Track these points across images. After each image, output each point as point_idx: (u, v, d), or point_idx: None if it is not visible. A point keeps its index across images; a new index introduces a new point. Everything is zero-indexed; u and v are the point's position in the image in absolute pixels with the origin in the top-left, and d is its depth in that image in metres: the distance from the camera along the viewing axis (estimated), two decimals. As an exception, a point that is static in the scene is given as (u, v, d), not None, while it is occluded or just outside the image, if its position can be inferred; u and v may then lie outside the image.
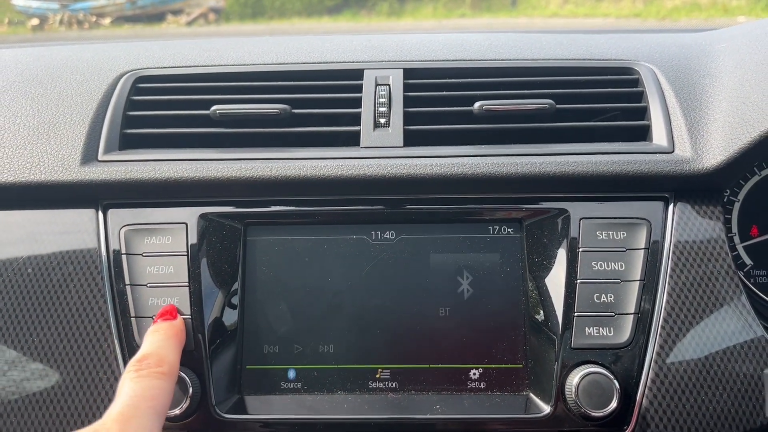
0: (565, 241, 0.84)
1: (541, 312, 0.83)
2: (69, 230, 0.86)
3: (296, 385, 0.84)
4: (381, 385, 0.84)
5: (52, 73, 1.00)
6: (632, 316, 0.80)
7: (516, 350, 0.84)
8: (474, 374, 0.84)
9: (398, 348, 0.85)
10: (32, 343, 0.83)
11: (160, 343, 0.76)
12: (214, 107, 0.92)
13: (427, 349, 0.84)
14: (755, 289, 0.97)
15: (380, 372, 0.84)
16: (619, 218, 0.84)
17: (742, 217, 1.01)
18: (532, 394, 0.82)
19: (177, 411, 0.77)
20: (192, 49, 1.06)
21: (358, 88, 0.96)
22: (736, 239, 1.01)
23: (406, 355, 0.84)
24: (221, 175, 0.85)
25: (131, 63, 1.02)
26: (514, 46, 1.05)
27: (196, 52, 1.05)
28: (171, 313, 0.81)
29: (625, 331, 0.80)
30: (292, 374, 0.84)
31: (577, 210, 0.85)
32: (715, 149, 0.84)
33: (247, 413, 0.81)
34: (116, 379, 0.80)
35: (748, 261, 1.00)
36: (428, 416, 0.80)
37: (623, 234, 0.84)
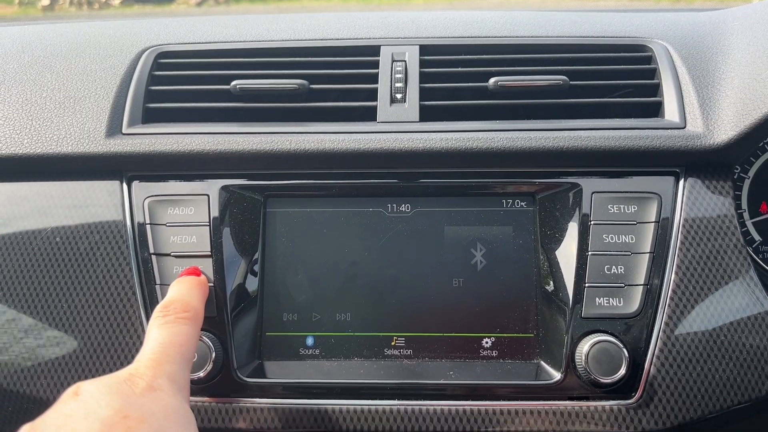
0: (577, 214, 0.86)
1: (552, 283, 0.85)
2: (95, 201, 0.89)
3: (314, 351, 0.87)
4: (396, 352, 0.86)
5: (75, 49, 1.02)
6: (641, 287, 0.82)
7: (527, 320, 0.86)
8: (486, 343, 0.86)
9: (413, 317, 0.87)
10: (60, 309, 0.86)
11: (184, 291, 0.78)
12: (234, 82, 0.94)
13: (440, 318, 0.87)
14: (764, 265, 0.99)
15: (395, 340, 0.87)
16: (631, 192, 0.86)
17: (752, 194, 1.02)
18: (542, 362, 0.85)
19: (201, 374, 0.80)
20: (211, 26, 1.08)
21: (375, 64, 0.98)
22: (746, 215, 1.03)
23: (420, 323, 0.87)
24: (242, 148, 0.88)
25: (152, 39, 1.04)
26: (529, 23, 1.06)
27: (215, 29, 1.07)
28: (195, 272, 0.84)
29: (634, 302, 0.82)
30: (310, 341, 0.87)
31: (589, 184, 0.87)
32: (726, 125, 0.86)
33: (266, 377, 0.84)
34: (141, 344, 0.84)
35: (757, 237, 1.02)
36: (441, 381, 0.83)
37: (634, 208, 0.85)
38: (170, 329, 0.71)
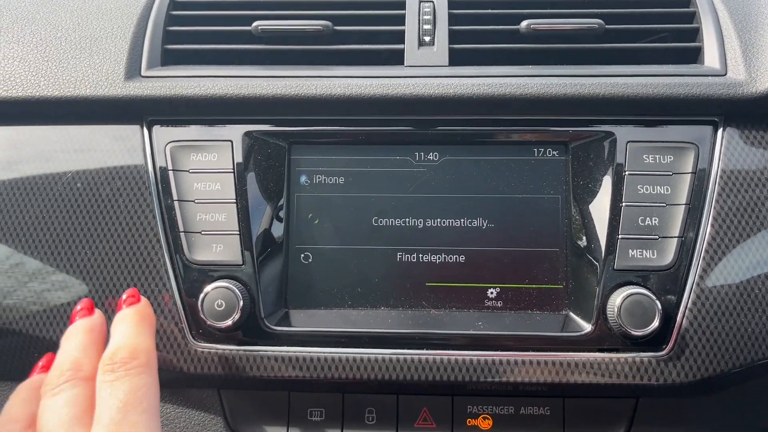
0: (611, 164, 0.84)
1: (584, 235, 0.84)
2: (115, 146, 0.87)
3: (340, 300, 0.86)
4: (423, 302, 0.86)
5: (90, -14, 0.98)
6: (676, 239, 0.81)
7: (557, 271, 0.85)
8: (514, 293, 0.85)
9: (441, 267, 0.86)
10: (84, 256, 0.85)
11: (128, 332, 0.72)
12: (255, 23, 0.90)
13: (468, 269, 0.86)
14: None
15: (423, 289, 0.86)
16: (667, 142, 0.84)
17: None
18: (571, 313, 0.84)
19: (229, 322, 0.79)
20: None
21: (401, 5, 0.94)
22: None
23: (448, 274, 0.86)
24: (266, 92, 0.85)
25: (168, -24, 0.99)
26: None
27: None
28: (133, 296, 0.78)
29: (668, 254, 0.80)
30: (336, 290, 0.86)
31: (623, 133, 0.84)
32: (769, 72, 0.82)
33: (293, 326, 0.83)
34: (166, 290, 0.83)
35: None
36: (470, 332, 0.82)
37: (670, 158, 0.83)
38: (124, 386, 0.65)
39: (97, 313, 0.79)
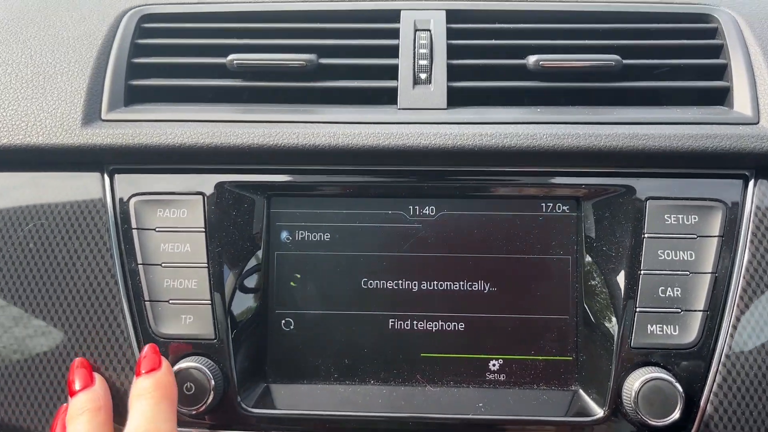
0: (629, 224, 0.75)
1: (597, 303, 0.75)
2: (73, 199, 0.77)
3: (326, 373, 0.78)
4: (418, 375, 0.77)
5: (45, 11, 0.87)
6: (701, 313, 0.72)
7: (566, 342, 0.77)
8: (518, 366, 0.77)
9: (437, 336, 0.77)
10: (39, 330, 0.76)
11: (149, 414, 0.64)
12: (231, 56, 0.80)
13: (468, 338, 0.77)
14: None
15: (417, 362, 0.77)
16: (691, 199, 0.75)
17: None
18: (581, 391, 0.75)
19: (201, 407, 0.71)
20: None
21: (395, 33, 0.84)
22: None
23: (445, 343, 0.77)
24: (241, 142, 0.75)
25: (134, -4, 0.89)
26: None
27: (208, -17, 0.92)
28: (154, 363, 0.69)
29: (692, 331, 0.72)
30: (321, 361, 0.78)
31: (643, 188, 0.75)
32: (809, 124, 0.73)
33: (274, 406, 0.75)
34: (132, 374, 0.74)
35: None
36: (469, 416, 0.74)
37: (695, 218, 0.74)
38: None
39: (98, 380, 0.72)
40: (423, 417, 0.74)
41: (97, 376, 0.73)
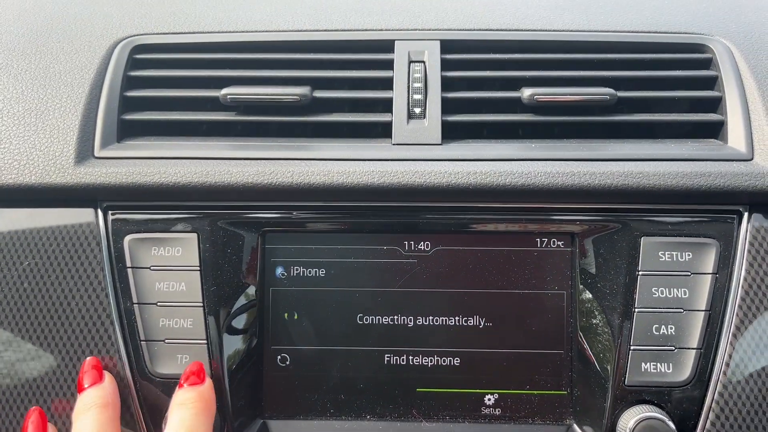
0: (623, 260, 0.75)
1: (592, 338, 0.75)
2: (68, 236, 0.77)
3: (322, 408, 0.78)
4: (414, 410, 0.78)
5: (36, 42, 0.86)
6: (695, 351, 0.73)
7: (560, 376, 0.77)
8: (513, 400, 0.77)
9: (433, 371, 0.78)
10: (36, 372, 0.76)
11: (189, 423, 0.66)
12: (224, 91, 0.80)
13: (463, 373, 0.78)
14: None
15: (413, 396, 0.78)
16: (685, 236, 0.75)
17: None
18: (576, 426, 0.76)
19: (196, 448, 0.71)
20: (196, 6, 0.92)
21: (389, 64, 0.84)
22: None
23: (441, 378, 0.78)
24: (236, 181, 0.75)
25: (126, 25, 0.88)
26: (568, 7, 0.91)
27: (201, 10, 0.91)
28: (198, 375, 0.71)
29: (686, 368, 0.72)
30: (317, 397, 0.78)
31: (637, 225, 0.75)
32: (803, 161, 0.73)
33: (270, 444, 0.75)
34: (130, 413, 0.74)
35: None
36: (466, 453, 0.74)
37: (689, 255, 0.74)
38: None
39: (107, 378, 0.73)
40: (419, 455, 0.74)
41: (107, 374, 0.73)
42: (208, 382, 0.71)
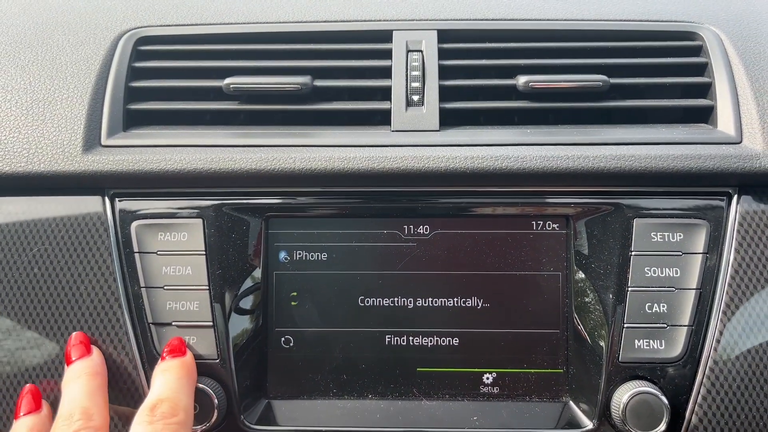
0: (616, 241, 0.77)
1: (586, 318, 0.78)
2: (76, 224, 0.79)
3: (325, 388, 0.80)
4: (415, 389, 0.80)
5: (42, 34, 0.88)
6: (686, 328, 0.75)
7: (557, 355, 0.79)
8: (511, 379, 0.80)
9: (433, 351, 0.80)
10: (47, 353, 0.78)
11: (171, 385, 0.69)
12: (227, 80, 0.82)
13: (463, 353, 0.80)
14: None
15: (413, 376, 0.80)
16: (676, 217, 0.77)
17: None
18: (572, 402, 0.78)
19: (205, 425, 0.73)
20: (198, -1, 0.94)
21: (387, 54, 0.86)
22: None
23: (441, 358, 0.80)
24: (239, 167, 0.77)
25: (130, 18, 0.90)
26: (562, -2, 0.93)
27: (203, 2, 0.93)
28: (180, 350, 0.74)
29: (677, 345, 0.75)
30: (320, 377, 0.80)
31: (630, 207, 0.78)
32: (790, 144, 0.75)
33: (276, 422, 0.78)
34: (139, 394, 0.76)
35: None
36: (466, 430, 0.77)
37: (680, 236, 0.77)
38: None
39: (95, 351, 0.75)
40: (419, 431, 0.77)
41: (94, 348, 0.76)
42: (190, 354, 0.75)
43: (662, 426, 0.71)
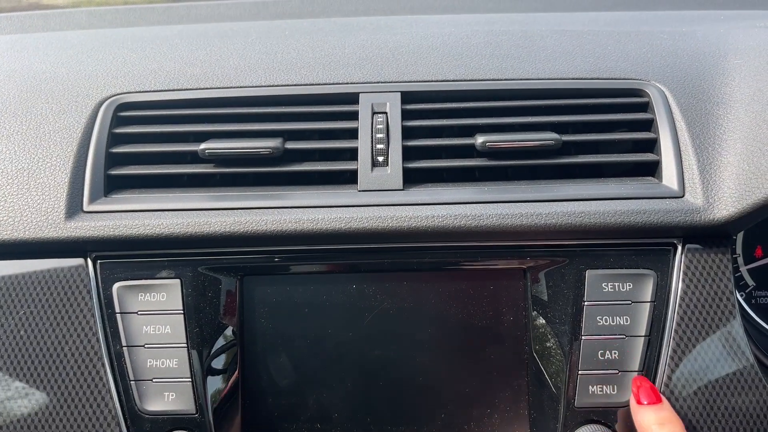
0: (570, 292, 0.82)
1: (545, 365, 0.83)
2: (60, 286, 0.83)
3: (300, 439, 0.84)
4: (385, 436, 0.84)
5: (26, 103, 0.93)
6: (636, 373, 0.80)
7: (519, 400, 0.84)
8: (476, 423, 0.84)
9: (401, 399, 0.85)
10: (33, 408, 0.82)
11: None
12: (203, 146, 0.87)
13: (430, 398, 0.84)
14: (755, 315, 0.97)
15: (386, 424, 0.84)
16: (626, 268, 0.82)
17: (747, 239, 0.99)
18: (534, 445, 0.83)
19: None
20: (175, 64, 0.99)
21: (354, 115, 0.91)
22: (740, 260, 1.00)
23: (410, 404, 0.84)
24: (215, 230, 0.82)
25: (110, 84, 0.95)
26: (518, 57, 0.98)
27: (180, 67, 0.98)
28: None
29: (628, 389, 0.80)
30: (295, 427, 0.85)
31: (582, 260, 0.83)
32: (727, 199, 0.81)
33: (252, 475, 0.82)
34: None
35: (750, 282, 1.00)
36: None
37: (629, 285, 0.82)
38: None
39: None
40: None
41: None
42: None
43: (615, 468, 0.76)
